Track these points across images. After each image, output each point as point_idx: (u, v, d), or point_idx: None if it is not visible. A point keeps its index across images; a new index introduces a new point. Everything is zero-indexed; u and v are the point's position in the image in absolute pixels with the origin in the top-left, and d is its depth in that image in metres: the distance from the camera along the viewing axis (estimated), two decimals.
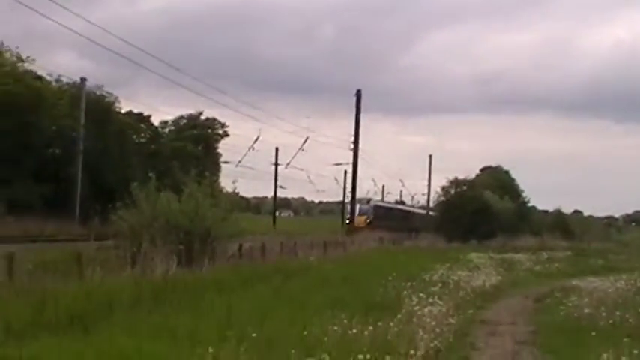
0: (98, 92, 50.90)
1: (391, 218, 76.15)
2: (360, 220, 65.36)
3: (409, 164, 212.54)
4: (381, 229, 58.88)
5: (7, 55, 46.46)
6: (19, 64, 46.62)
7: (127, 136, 53.39)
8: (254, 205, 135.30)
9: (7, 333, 10.21)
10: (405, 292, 16.38)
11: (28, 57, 46.88)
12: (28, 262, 14.05)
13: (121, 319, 12.49)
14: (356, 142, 57.06)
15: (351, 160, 57.97)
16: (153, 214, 22.47)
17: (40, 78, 48.39)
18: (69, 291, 13.33)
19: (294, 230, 54.22)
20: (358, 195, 60.99)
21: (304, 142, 69.87)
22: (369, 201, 72.50)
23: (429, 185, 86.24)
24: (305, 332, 11.07)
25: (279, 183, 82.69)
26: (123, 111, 54.92)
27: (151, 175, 24.09)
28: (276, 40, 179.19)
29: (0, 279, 13.19)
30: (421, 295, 15.38)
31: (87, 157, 46.22)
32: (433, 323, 12.13)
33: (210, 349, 9.47)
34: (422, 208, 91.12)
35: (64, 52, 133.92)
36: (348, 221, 64.94)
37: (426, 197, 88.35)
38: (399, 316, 12.65)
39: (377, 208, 74.70)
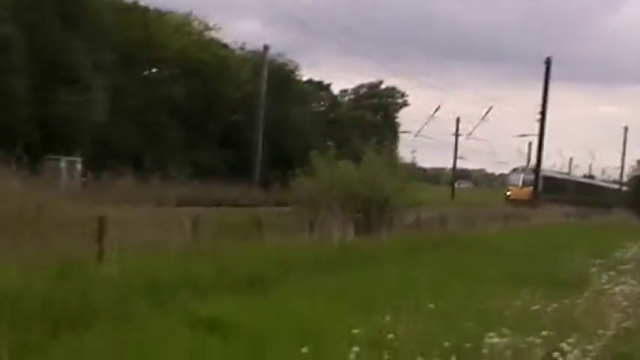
0: (280, 60, 52.13)
1: (566, 191, 69.39)
2: (522, 192, 60.31)
3: (600, 136, 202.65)
4: (553, 203, 54.00)
5: (195, 23, 48.49)
6: (206, 33, 48.56)
7: (306, 104, 54.43)
8: (432, 176, 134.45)
9: (193, 291, 10.64)
10: (593, 269, 15.66)
11: (214, 25, 48.79)
12: (211, 224, 14.59)
13: (298, 282, 12.72)
14: (543, 113, 55.32)
15: (536, 130, 56.22)
16: (331, 181, 22.73)
17: (225, 46, 50.17)
18: (249, 253, 13.77)
19: (472, 201, 53.33)
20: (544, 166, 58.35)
21: (487, 111, 68.60)
22: (534, 170, 61.40)
23: (623, 158, 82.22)
24: (483, 306, 10.83)
25: (459, 153, 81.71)
26: (303, 79, 56.01)
27: (329, 143, 24.44)
28: (460, 6, 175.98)
29: (186, 240, 13.79)
30: (611, 273, 14.63)
31: (267, 124, 47.46)
32: (625, 303, 11.50)
33: (387, 317, 9.44)
34: (613, 182, 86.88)
35: (248, 21, 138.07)
36: (508, 192, 61.88)
37: (618, 171, 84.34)
38: (586, 294, 12.10)
39: (546, 179, 64.37)
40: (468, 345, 7.62)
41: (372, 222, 21.52)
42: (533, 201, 55.45)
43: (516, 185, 64.36)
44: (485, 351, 7.40)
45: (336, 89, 63.16)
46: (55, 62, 34.20)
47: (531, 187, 59.84)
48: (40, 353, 7.10)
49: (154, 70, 46.46)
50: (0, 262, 9.70)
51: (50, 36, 34.63)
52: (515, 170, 68.29)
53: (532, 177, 60.68)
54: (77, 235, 11.45)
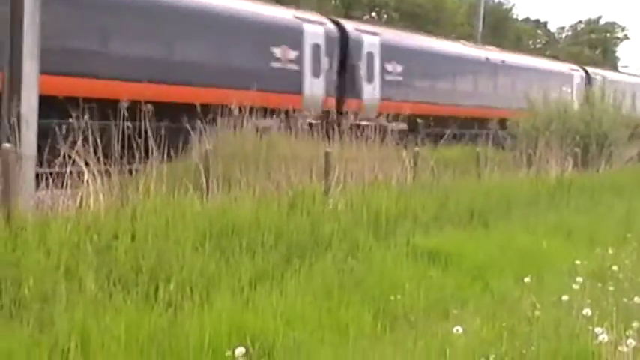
0: (496, 0, 50.45)
1: None
2: None
3: None
4: None
5: None
6: None
7: (522, 42, 52.41)
8: None
9: (415, 224, 10.58)
10: None
11: None
12: (430, 159, 14.41)
13: (518, 216, 12.40)
14: None
15: None
16: (549, 118, 21.95)
17: None
18: (469, 188, 13.53)
19: None
20: None
21: None
22: None
23: None
24: None
25: None
26: (520, 18, 53.89)
27: None
28: None
29: (406, 175, 13.71)
30: None
31: None
32: None
33: (610, 250, 8.86)
34: None
35: None
36: None
37: None
38: None
39: None
40: None
41: (590, 157, 20.47)
42: None
43: None
44: None
45: (553, 27, 60.26)
46: None
47: None
48: (275, 279, 7.28)
49: (373, 14, 46.54)
50: (236, 196, 10.08)
51: None
52: None
53: None
54: (305, 171, 11.67)
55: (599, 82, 32.60)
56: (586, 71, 37.92)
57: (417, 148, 14.60)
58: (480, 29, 46.77)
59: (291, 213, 9.58)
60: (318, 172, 11.59)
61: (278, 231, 8.62)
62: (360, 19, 37.24)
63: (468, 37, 47.35)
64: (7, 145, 7.96)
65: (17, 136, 8.42)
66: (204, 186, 10.19)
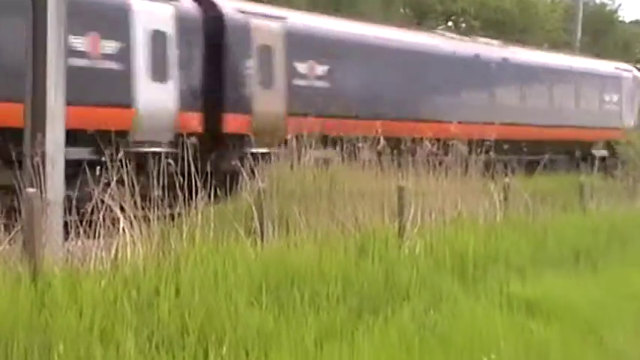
0: (597, 1, 50.00)
1: None
2: None
3: None
4: None
5: None
6: None
7: (630, 48, 51.71)
8: None
9: (507, 268, 10.46)
10: None
11: None
12: (523, 192, 14.27)
13: (634, 256, 12.17)
14: None
15: None
16: None
17: None
18: (571, 223, 13.35)
19: None
20: None
21: None
22: None
23: None
24: None
25: None
26: (627, 20, 53.32)
27: None
28: None
29: (495, 211, 13.60)
30: None
31: None
32: None
33: None
34: None
35: None
36: None
37: None
38: None
39: None
40: None
41: None
42: None
43: None
44: None
45: None
46: None
47: None
48: (344, 337, 7.25)
49: (449, 23, 46.60)
50: (296, 240, 10.10)
51: None
52: None
53: None
54: (374, 209, 11.66)
55: None
56: None
57: (507, 179, 14.47)
58: (579, 35, 46.36)
59: (361, 259, 9.56)
60: (390, 210, 11.57)
61: (346, 280, 8.60)
62: (434, 28, 37.35)
63: (565, 46, 47.00)
64: (31, 190, 8.05)
65: (42, 178, 8.58)
66: (258, 230, 10.25)
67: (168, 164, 10.29)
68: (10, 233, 8.26)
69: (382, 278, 9.03)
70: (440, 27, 44.92)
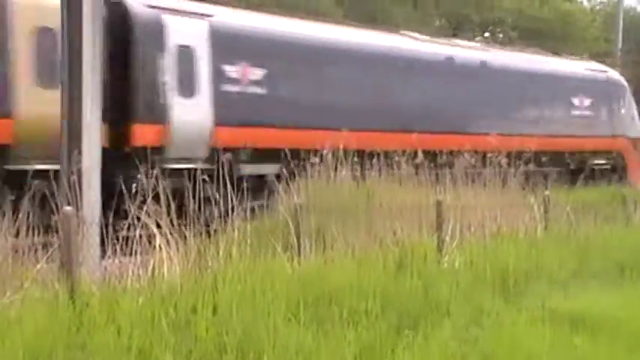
0: (639, 9, 49.59)
1: None
2: None
3: None
4: None
5: None
6: None
7: None
8: None
9: (550, 282, 10.39)
10: None
11: None
12: (565, 204, 14.18)
13: None
14: None
15: None
16: None
17: None
18: (616, 236, 13.24)
19: None
20: None
21: None
22: None
23: None
24: None
25: None
26: None
27: None
28: None
29: (535, 224, 13.52)
30: None
31: None
32: None
33: None
34: None
35: None
36: None
37: None
38: None
39: None
40: None
41: None
42: None
43: None
44: None
45: None
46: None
47: None
48: (384, 354, 7.23)
49: (486, 34, 46.46)
50: (333, 256, 10.11)
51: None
52: None
53: None
54: (412, 224, 11.64)
55: None
56: None
57: (547, 192, 14.39)
58: (620, 45, 45.85)
59: (400, 275, 9.54)
60: (429, 224, 11.54)
61: (385, 296, 8.58)
62: (470, 39, 37.19)
63: (605, 56, 46.53)
64: (67, 209, 8.12)
65: (78, 196, 8.65)
66: (296, 246, 10.26)
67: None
68: (47, 251, 8.33)
69: (421, 294, 9.00)
70: (476, 38, 44.84)
